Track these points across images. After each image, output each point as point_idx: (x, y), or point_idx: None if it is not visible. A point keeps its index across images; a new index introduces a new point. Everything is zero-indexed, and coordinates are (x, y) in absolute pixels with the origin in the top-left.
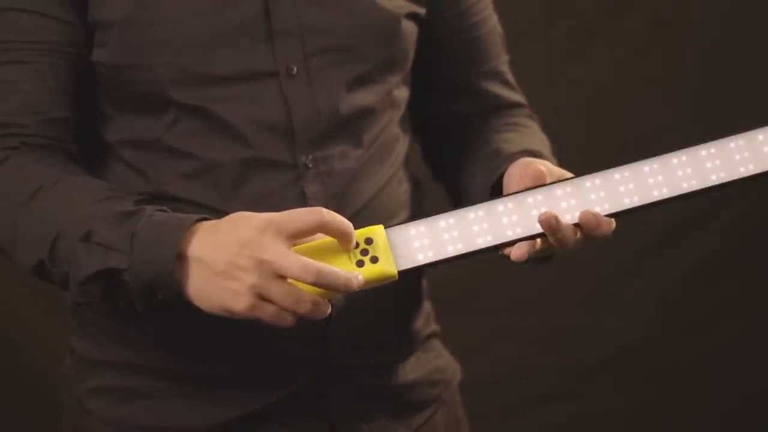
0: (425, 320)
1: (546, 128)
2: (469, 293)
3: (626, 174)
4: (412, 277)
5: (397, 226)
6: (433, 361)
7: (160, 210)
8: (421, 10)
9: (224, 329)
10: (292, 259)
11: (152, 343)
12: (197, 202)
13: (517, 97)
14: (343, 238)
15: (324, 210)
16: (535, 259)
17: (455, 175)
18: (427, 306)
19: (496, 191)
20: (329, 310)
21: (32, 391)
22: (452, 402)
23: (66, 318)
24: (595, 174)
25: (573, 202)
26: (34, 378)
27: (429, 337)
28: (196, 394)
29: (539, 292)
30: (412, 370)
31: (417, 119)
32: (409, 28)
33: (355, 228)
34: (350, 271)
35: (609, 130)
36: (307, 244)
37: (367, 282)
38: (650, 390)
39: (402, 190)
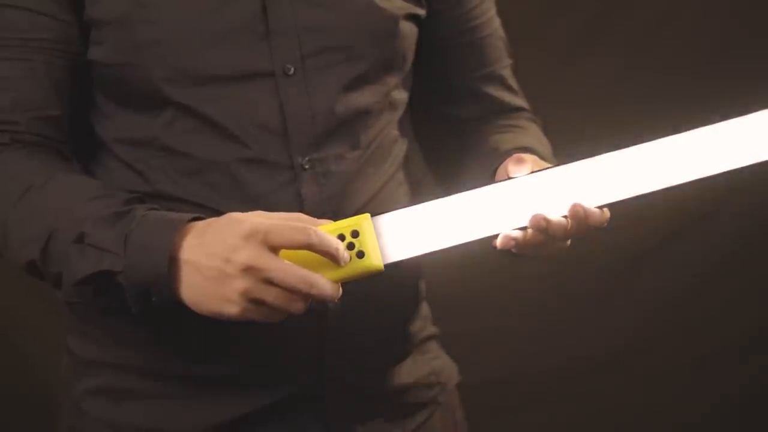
0: (422, 323)
1: (545, 129)
2: (468, 294)
3: (616, 162)
4: (407, 279)
5: (385, 215)
6: (429, 363)
7: (152, 209)
8: (421, 11)
9: (221, 331)
10: (285, 268)
11: (148, 344)
12: (193, 201)
13: (518, 101)
14: (331, 258)
15: (312, 231)
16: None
17: (455, 178)
18: (424, 308)
19: None
20: (305, 308)
21: (31, 390)
22: (450, 404)
23: (64, 317)
24: (583, 161)
25: (562, 191)
26: (33, 378)
27: (426, 339)
28: (191, 395)
29: (539, 292)
30: (408, 372)
31: (418, 122)
32: (408, 29)
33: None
34: (334, 285)
35: (608, 131)
36: None
37: (353, 277)
38: (650, 390)
39: (401, 192)
